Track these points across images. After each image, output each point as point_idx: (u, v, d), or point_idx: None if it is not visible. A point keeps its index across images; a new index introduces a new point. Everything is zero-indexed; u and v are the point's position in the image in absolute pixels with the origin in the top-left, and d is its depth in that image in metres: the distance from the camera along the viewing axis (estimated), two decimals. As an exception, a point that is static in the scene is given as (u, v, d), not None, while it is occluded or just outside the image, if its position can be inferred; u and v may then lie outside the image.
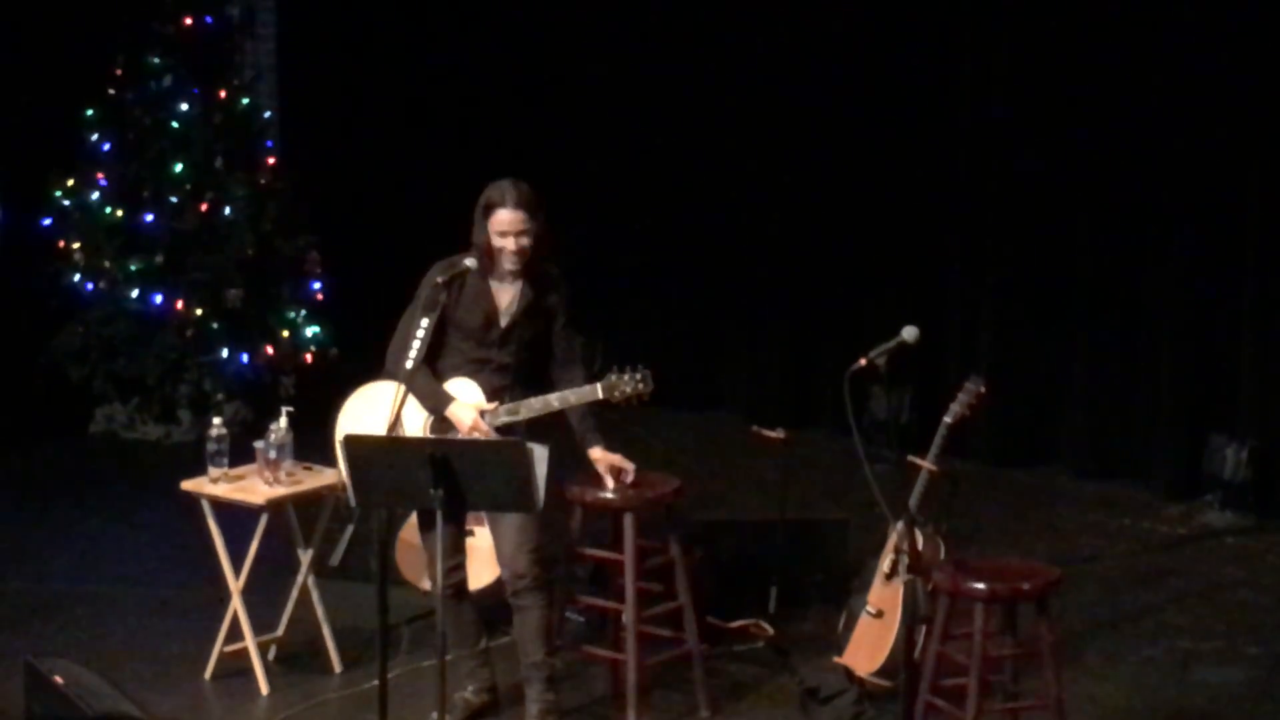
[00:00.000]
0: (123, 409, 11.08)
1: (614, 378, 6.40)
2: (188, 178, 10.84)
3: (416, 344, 6.34)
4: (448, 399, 6.52)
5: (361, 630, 7.51)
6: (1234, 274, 9.51)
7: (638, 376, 6.39)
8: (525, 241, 6.45)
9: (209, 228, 10.86)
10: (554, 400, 6.49)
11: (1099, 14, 9.76)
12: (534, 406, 6.49)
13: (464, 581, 6.75)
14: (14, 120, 10.64)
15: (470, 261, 6.49)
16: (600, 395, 6.36)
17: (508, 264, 6.50)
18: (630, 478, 6.74)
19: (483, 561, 7.12)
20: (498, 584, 7.39)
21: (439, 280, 6.43)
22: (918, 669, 6.36)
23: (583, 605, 7.51)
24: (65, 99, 10.77)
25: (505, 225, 6.43)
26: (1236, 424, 9.48)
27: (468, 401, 6.51)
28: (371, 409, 6.59)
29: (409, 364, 6.31)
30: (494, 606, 7.07)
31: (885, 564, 6.92)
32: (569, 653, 7.19)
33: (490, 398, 6.53)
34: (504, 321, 6.57)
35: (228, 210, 10.88)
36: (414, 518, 7.70)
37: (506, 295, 6.59)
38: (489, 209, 6.46)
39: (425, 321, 6.38)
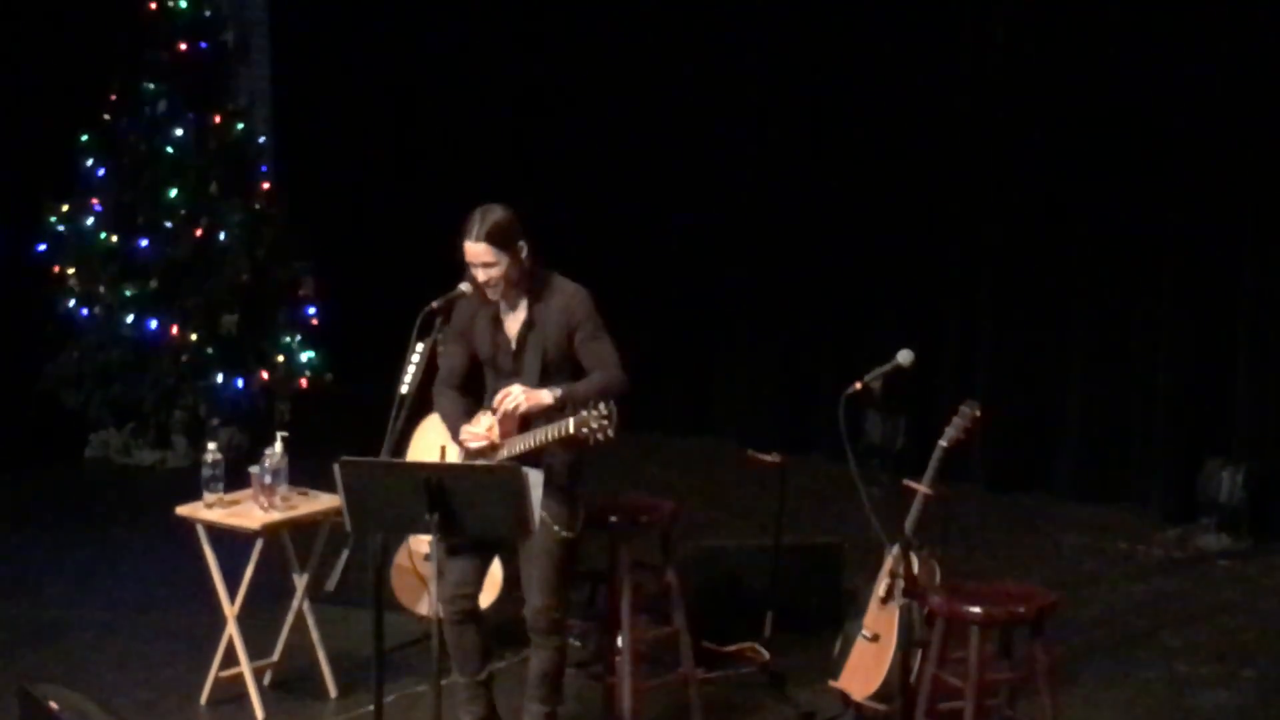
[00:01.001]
0: (118, 434, 11.09)
1: (585, 413, 6.27)
2: (182, 203, 10.85)
3: (411, 369, 6.32)
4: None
5: (357, 655, 7.50)
6: (1229, 298, 9.53)
7: (604, 414, 6.15)
8: (494, 273, 6.35)
9: (204, 253, 10.87)
10: (534, 438, 6.35)
11: (1097, 34, 9.79)
12: (525, 443, 6.42)
13: (473, 609, 6.59)
14: (9, 146, 10.66)
15: (465, 286, 6.46)
16: (572, 430, 6.27)
17: (489, 294, 6.48)
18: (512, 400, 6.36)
19: (484, 587, 7.09)
20: (495, 608, 7.40)
21: (433, 305, 6.41)
22: (914, 693, 6.36)
23: (579, 629, 7.51)
24: (60, 125, 10.79)
25: (469, 257, 6.36)
26: (1232, 447, 9.49)
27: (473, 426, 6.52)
28: (437, 436, 6.67)
29: (403, 388, 6.29)
30: (497, 627, 7.05)
31: (881, 588, 6.91)
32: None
33: (516, 429, 6.48)
34: (513, 346, 6.53)
35: (222, 236, 10.89)
36: (410, 543, 7.71)
37: (517, 320, 6.53)
38: (460, 237, 6.41)
39: (420, 346, 6.37)
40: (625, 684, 6.85)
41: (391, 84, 12.14)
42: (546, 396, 6.34)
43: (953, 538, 7.44)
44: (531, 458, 6.31)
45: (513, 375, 6.48)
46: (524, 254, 6.41)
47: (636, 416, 6.54)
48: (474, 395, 6.62)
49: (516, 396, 6.33)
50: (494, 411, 6.41)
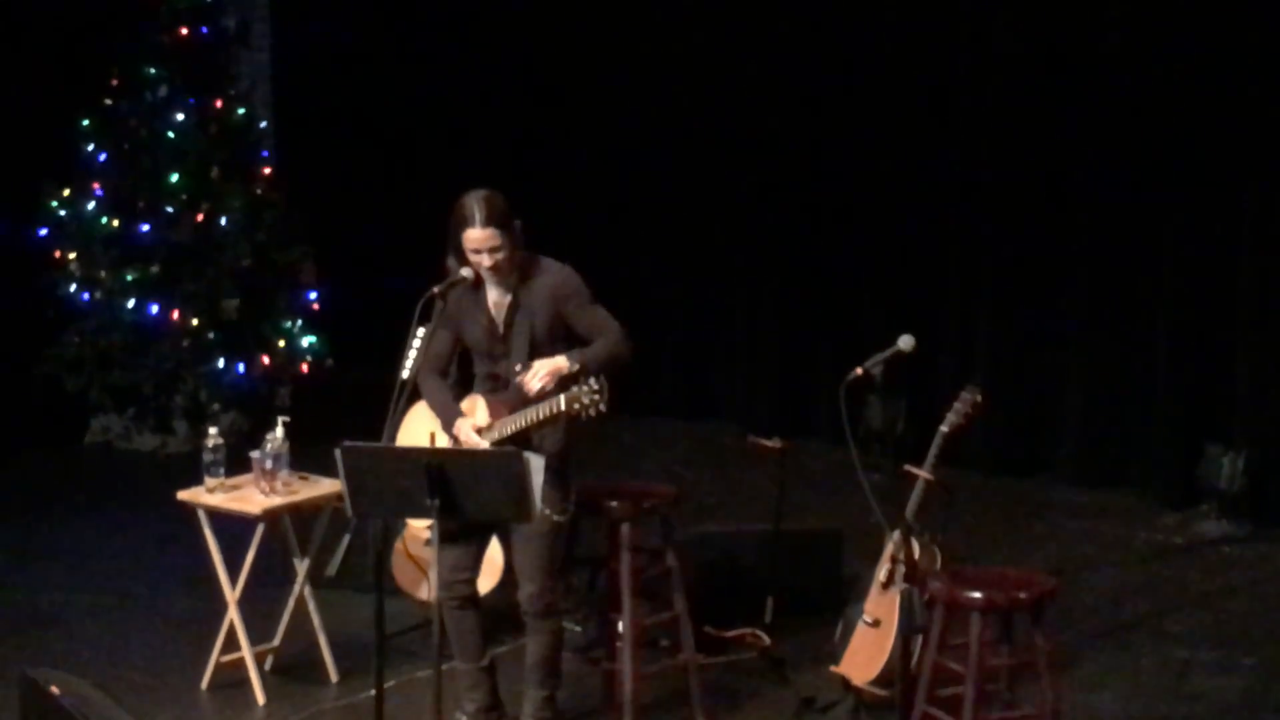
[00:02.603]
0: (119, 419, 11.09)
1: (575, 390, 6.27)
2: (183, 188, 10.85)
3: (412, 354, 6.32)
4: (456, 414, 6.52)
5: (358, 640, 7.50)
6: (1229, 283, 9.52)
7: (595, 388, 6.16)
8: (500, 256, 6.35)
9: (205, 238, 10.87)
10: (525, 417, 6.35)
11: (1096, 26, 9.78)
12: (516, 423, 6.41)
13: (470, 594, 6.61)
14: (10, 130, 10.65)
15: (466, 271, 6.45)
16: (564, 406, 6.25)
17: (488, 279, 6.47)
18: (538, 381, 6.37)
19: (483, 571, 7.10)
20: (496, 593, 7.40)
21: (434, 291, 6.40)
22: (914, 678, 6.36)
23: (579, 615, 7.51)
24: (61, 109, 10.78)
25: (476, 243, 6.34)
26: (1232, 433, 9.48)
27: (471, 419, 6.49)
28: (424, 423, 6.67)
29: (404, 373, 6.29)
30: (497, 612, 7.05)
31: (882, 573, 6.92)
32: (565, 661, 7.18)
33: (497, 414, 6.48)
34: (500, 329, 6.53)
35: (223, 220, 10.89)
36: (410, 528, 7.71)
37: (504, 303, 6.51)
38: (459, 226, 6.37)
39: (421, 331, 6.37)
40: (625, 669, 6.85)
41: (392, 68, 12.12)
42: (564, 364, 6.34)
43: (953, 523, 7.41)
44: (521, 439, 6.31)
45: (501, 358, 6.50)
46: (519, 232, 6.43)
47: (637, 401, 6.52)
48: (461, 380, 6.62)
49: (541, 377, 6.32)
50: (522, 384, 6.36)
